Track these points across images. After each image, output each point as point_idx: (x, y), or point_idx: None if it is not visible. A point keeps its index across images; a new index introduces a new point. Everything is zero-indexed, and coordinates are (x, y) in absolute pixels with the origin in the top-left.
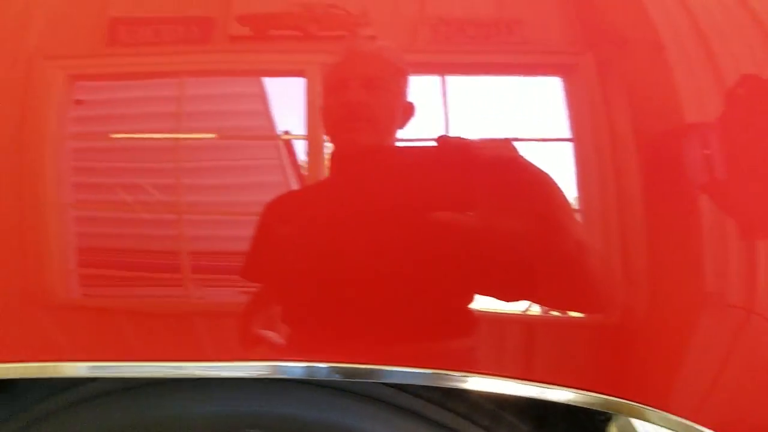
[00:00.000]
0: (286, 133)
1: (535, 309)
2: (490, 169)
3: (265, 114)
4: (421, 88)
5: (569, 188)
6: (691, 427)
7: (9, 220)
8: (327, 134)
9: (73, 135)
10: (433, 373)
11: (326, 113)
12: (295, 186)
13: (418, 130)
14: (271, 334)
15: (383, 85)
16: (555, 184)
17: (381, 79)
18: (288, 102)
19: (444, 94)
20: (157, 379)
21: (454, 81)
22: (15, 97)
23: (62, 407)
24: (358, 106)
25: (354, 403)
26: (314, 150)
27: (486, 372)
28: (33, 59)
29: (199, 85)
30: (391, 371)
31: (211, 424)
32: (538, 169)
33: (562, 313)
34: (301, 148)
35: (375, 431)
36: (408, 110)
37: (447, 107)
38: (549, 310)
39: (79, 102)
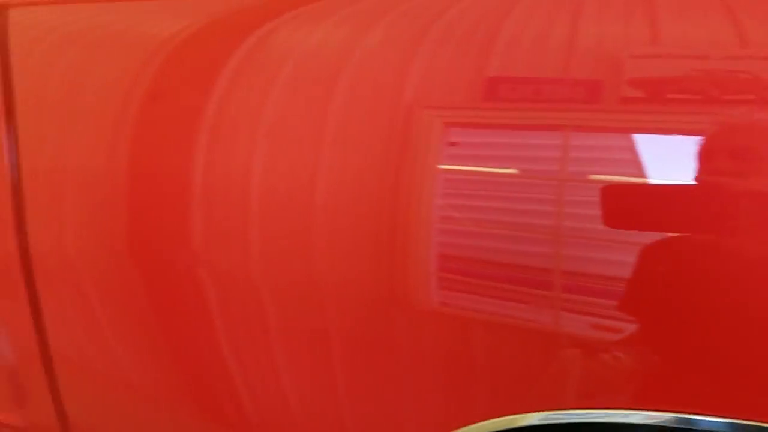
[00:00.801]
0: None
1: None
2: None
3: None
4: None
5: None
6: None
7: (382, 236)
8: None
9: (446, 169)
10: None
11: (696, 176)
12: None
13: None
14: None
15: (753, 157)
16: None
17: (751, 149)
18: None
19: None
20: None
21: None
22: (396, 137)
23: None
24: (721, 176)
25: None
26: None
27: None
28: (413, 108)
29: (581, 138)
30: None
31: None
32: None
33: None
34: None
35: None
36: None
37: None
38: None
39: (453, 143)
